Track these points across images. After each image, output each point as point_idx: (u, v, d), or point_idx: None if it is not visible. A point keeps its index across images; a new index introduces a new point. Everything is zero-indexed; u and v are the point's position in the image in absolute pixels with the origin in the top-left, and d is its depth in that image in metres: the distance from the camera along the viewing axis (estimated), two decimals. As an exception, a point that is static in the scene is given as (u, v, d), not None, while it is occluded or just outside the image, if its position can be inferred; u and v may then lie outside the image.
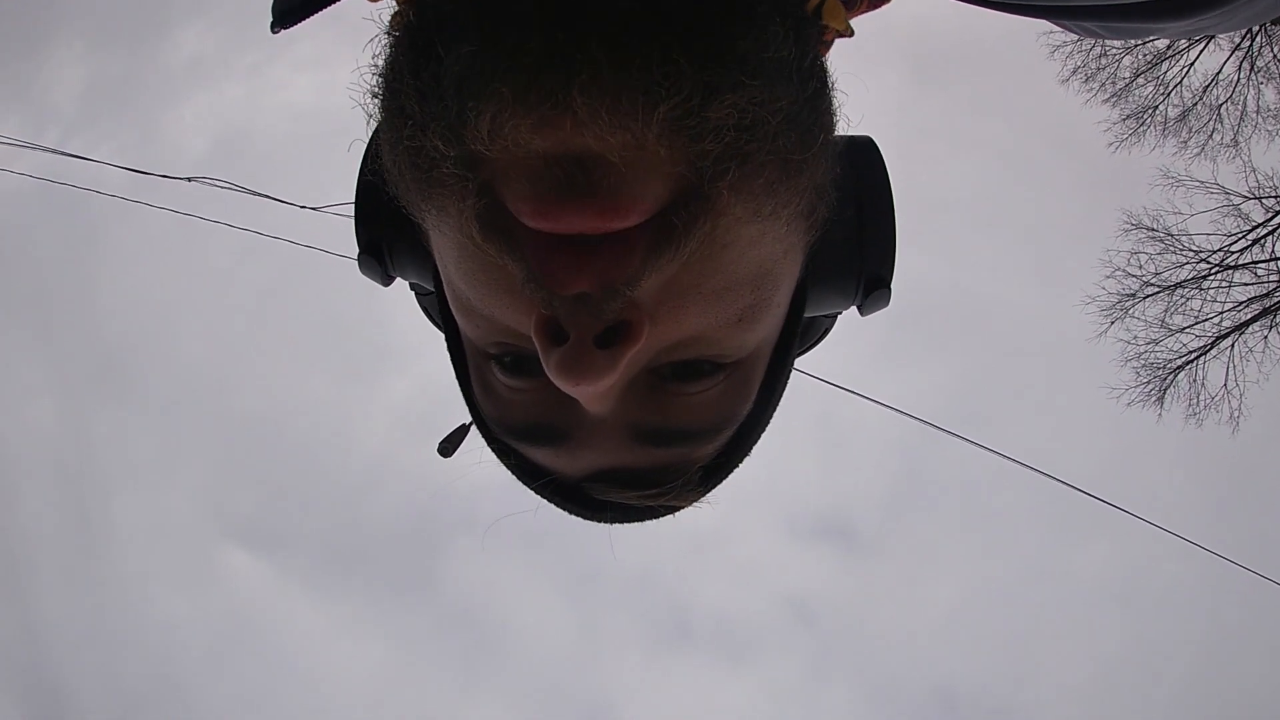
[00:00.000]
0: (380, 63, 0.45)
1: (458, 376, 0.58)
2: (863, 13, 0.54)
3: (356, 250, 0.61)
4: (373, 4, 0.50)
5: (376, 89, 0.45)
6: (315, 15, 0.54)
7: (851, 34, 0.52)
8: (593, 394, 0.44)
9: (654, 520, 0.57)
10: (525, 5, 0.37)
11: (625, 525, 0.57)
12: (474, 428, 0.59)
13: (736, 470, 0.57)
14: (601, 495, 0.53)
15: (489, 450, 0.57)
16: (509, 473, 0.56)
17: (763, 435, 0.57)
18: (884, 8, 0.56)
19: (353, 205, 0.60)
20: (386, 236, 0.58)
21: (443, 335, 0.59)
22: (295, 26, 0.54)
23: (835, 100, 0.48)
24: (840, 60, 0.52)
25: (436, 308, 0.59)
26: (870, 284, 0.60)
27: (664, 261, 0.41)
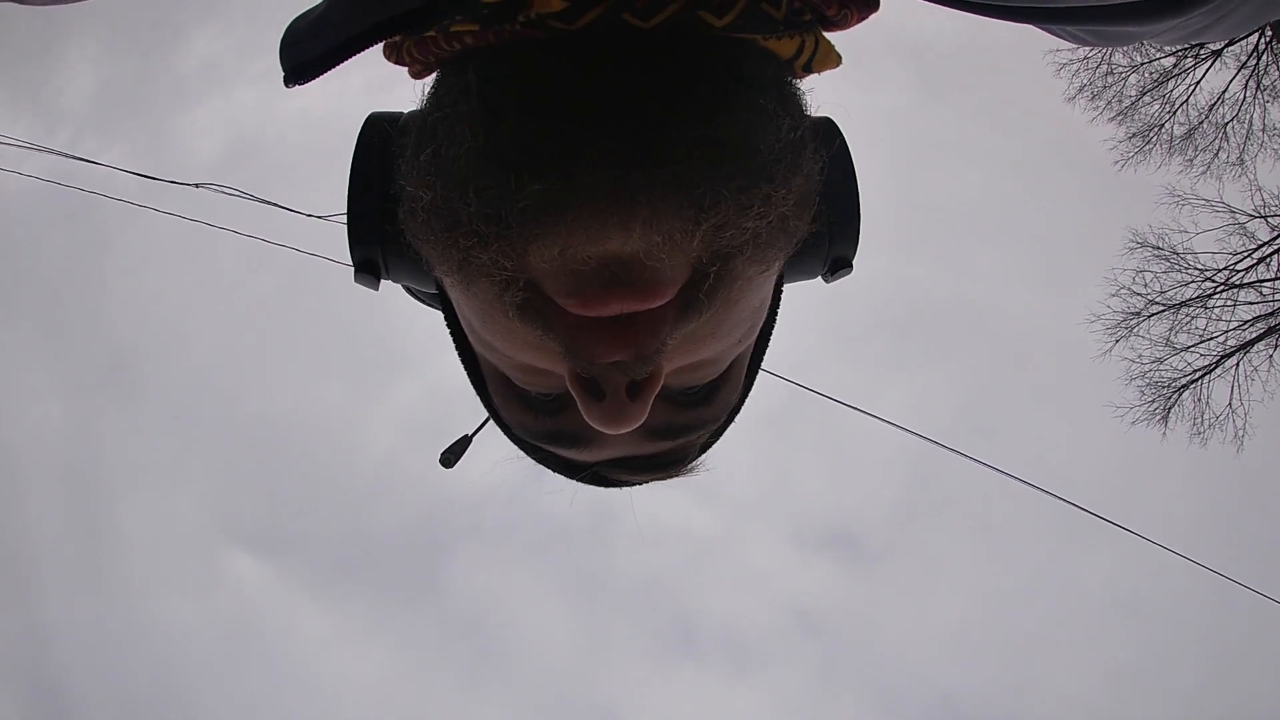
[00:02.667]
0: (431, 151, 0.47)
1: (470, 378, 0.63)
2: (853, 25, 0.57)
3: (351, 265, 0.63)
4: (399, 66, 0.54)
5: (426, 180, 0.47)
6: (331, 71, 0.54)
7: (840, 63, 0.57)
8: (627, 433, 0.52)
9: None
10: (596, 145, 0.42)
11: (636, 499, 0.67)
12: (479, 431, 0.65)
13: (724, 437, 0.66)
14: (617, 476, 0.63)
15: (509, 450, 0.65)
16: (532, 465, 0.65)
17: (744, 406, 0.65)
18: (872, 16, 0.57)
19: (345, 223, 0.61)
20: (381, 250, 0.60)
21: (450, 335, 0.62)
22: (310, 83, 0.55)
23: (813, 138, 0.52)
24: (849, 70, 0.56)
25: (432, 298, 0.64)
26: (836, 264, 0.63)
27: (689, 326, 0.47)
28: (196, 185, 4.64)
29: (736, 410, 0.64)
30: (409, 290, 0.69)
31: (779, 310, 0.63)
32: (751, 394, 0.66)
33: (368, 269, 0.61)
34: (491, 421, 0.65)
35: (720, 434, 0.66)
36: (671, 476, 0.64)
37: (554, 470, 0.64)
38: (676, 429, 0.58)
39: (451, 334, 0.62)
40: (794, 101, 0.51)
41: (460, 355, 0.63)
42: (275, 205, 4.45)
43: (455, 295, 0.54)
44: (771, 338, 0.64)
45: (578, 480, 0.64)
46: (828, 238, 0.62)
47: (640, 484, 0.65)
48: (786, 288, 0.65)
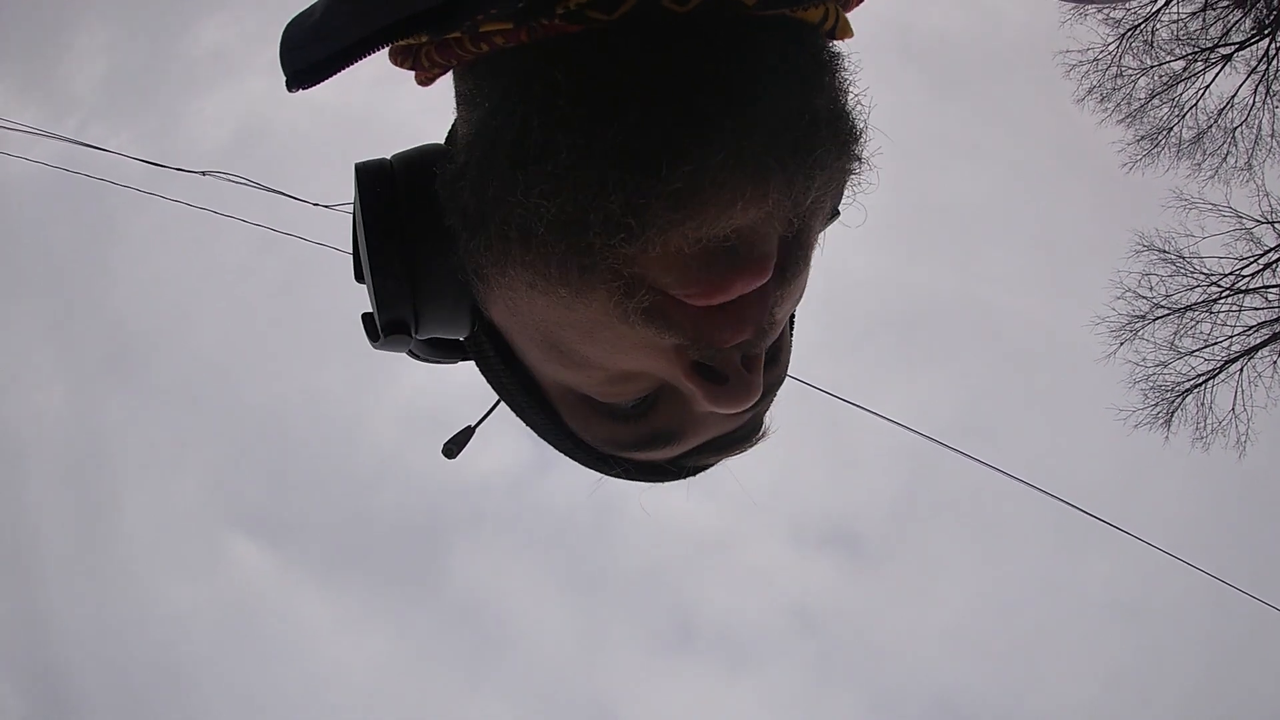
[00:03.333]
0: (506, 157, 0.46)
1: (532, 419, 0.61)
2: (858, 4, 0.57)
3: (373, 339, 0.60)
4: (406, 71, 0.53)
5: (522, 188, 0.44)
6: (336, 75, 0.50)
7: (852, 35, 0.57)
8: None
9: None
10: (719, 128, 0.42)
11: (661, 494, 0.66)
12: (482, 422, 0.67)
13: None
14: (700, 462, 0.62)
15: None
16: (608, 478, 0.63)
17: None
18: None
19: (365, 281, 0.58)
20: (414, 306, 0.56)
21: (488, 377, 0.60)
22: (313, 87, 0.50)
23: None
24: (859, 69, 0.57)
25: (448, 349, 0.62)
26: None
27: (787, 291, 0.49)
28: (203, 173, 4.63)
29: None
30: (413, 352, 0.63)
31: None
32: None
33: (398, 329, 0.57)
34: (547, 440, 0.62)
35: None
36: (751, 446, 0.64)
37: (643, 479, 0.63)
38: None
39: (492, 375, 0.60)
40: (844, 66, 0.51)
41: (507, 397, 0.60)
42: (282, 194, 4.45)
43: (538, 317, 0.50)
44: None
45: (669, 481, 0.63)
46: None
47: (706, 467, 0.64)
48: None
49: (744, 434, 0.62)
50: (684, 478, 0.64)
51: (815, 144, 0.45)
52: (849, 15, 0.56)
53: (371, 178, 0.55)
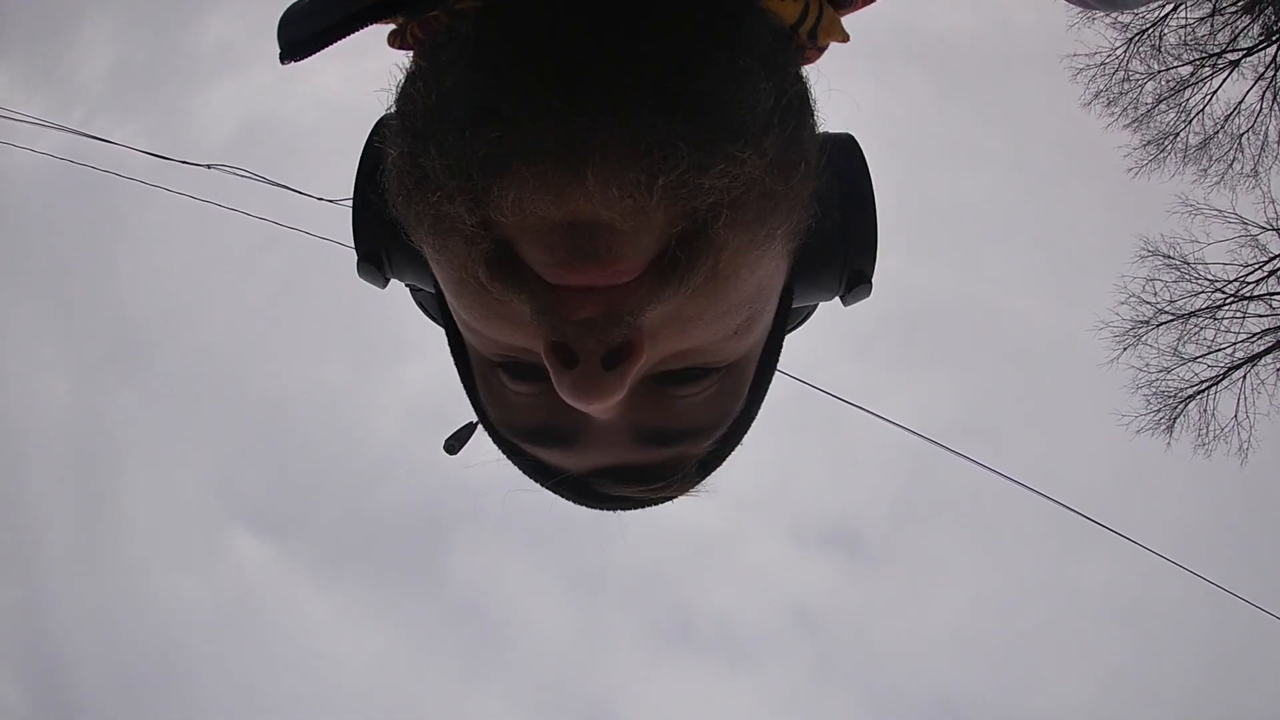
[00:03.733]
0: (400, 112, 0.49)
1: (462, 379, 0.61)
2: (860, 8, 0.56)
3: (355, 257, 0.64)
4: (392, 48, 0.54)
5: (396, 143, 0.48)
6: (327, 49, 0.54)
7: (848, 39, 0.55)
8: (600, 410, 0.48)
9: (655, 505, 0.61)
10: (547, 94, 0.41)
11: (632, 513, 0.62)
12: (480, 428, 0.62)
13: (729, 459, 0.61)
14: (607, 490, 0.57)
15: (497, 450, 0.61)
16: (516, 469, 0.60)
17: (752, 426, 0.61)
18: (878, 1, 0.57)
19: (350, 216, 0.62)
20: (384, 244, 0.61)
21: (443, 332, 0.61)
22: (304, 60, 0.54)
23: (814, 117, 0.52)
24: (864, 70, 0.55)
25: (434, 306, 0.63)
26: (853, 279, 0.61)
27: (668, 295, 0.45)
28: (208, 166, 4.63)
29: (743, 426, 0.60)
30: (418, 301, 0.68)
31: (786, 322, 0.60)
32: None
33: (371, 260, 0.61)
34: (466, 396, 0.62)
35: (724, 453, 0.60)
36: (665, 493, 0.59)
37: (533, 477, 0.59)
38: (671, 434, 0.55)
39: (447, 333, 0.60)
40: (783, 65, 0.49)
41: (455, 359, 0.61)
42: (286, 188, 4.45)
43: (437, 272, 0.52)
44: (780, 352, 0.60)
45: (551, 488, 0.59)
46: (843, 251, 0.60)
47: (624, 504, 0.60)
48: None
49: (655, 473, 0.56)
50: (604, 508, 0.60)
51: (658, 132, 0.41)
52: (859, 27, 0.55)
53: (379, 126, 0.59)
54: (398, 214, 0.49)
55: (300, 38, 0.53)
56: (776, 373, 0.61)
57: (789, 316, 0.60)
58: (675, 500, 0.60)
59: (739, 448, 0.61)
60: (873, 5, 0.57)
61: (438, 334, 0.64)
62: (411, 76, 0.49)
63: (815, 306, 0.68)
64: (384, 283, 0.64)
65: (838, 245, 0.60)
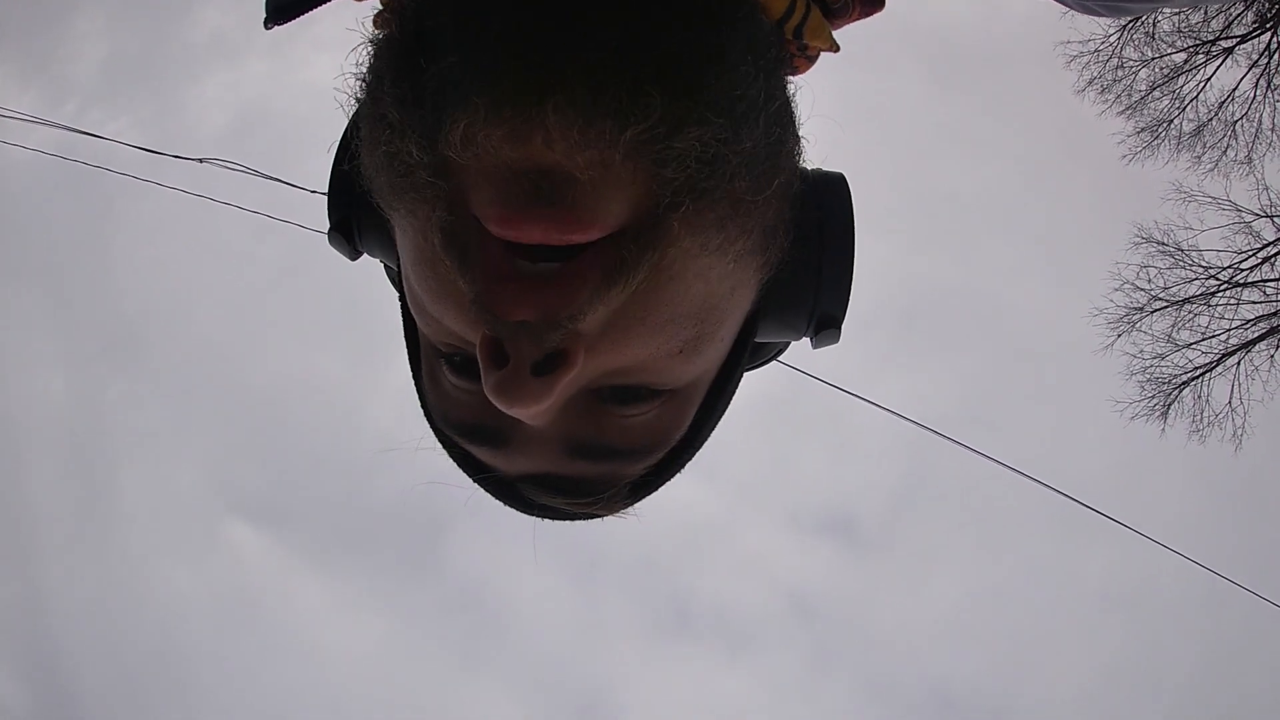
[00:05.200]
0: (363, 67, 0.47)
1: (410, 361, 0.59)
2: (853, 21, 0.56)
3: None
4: (358, 2, 0.52)
5: (359, 92, 0.47)
6: (310, 12, 0.54)
7: (837, 49, 0.54)
8: (526, 416, 0.46)
9: (582, 520, 0.59)
10: (508, 26, 0.40)
11: (566, 523, 0.60)
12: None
13: (665, 487, 0.59)
14: (534, 497, 0.56)
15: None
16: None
17: (695, 456, 0.59)
18: (875, 15, 0.56)
19: (328, 185, 0.61)
20: (357, 216, 0.59)
21: (401, 313, 0.59)
22: (289, 23, 0.54)
23: (799, 145, 0.50)
24: (860, 59, 0.54)
25: (398, 282, 0.61)
26: (822, 322, 0.59)
27: (612, 295, 0.42)
28: (201, 160, 4.62)
29: (683, 456, 0.58)
30: (391, 279, 0.66)
31: (743, 357, 0.57)
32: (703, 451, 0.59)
33: (341, 230, 0.60)
34: (411, 378, 0.61)
35: (660, 479, 0.58)
36: (591, 509, 0.57)
37: (463, 470, 0.58)
38: (604, 449, 0.52)
39: (402, 314, 0.59)
40: (768, 57, 0.47)
41: (406, 339, 0.60)
42: (278, 180, 4.44)
43: (399, 242, 0.50)
44: (734, 386, 0.58)
45: (479, 483, 0.57)
46: (815, 292, 0.57)
47: (551, 513, 0.58)
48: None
49: (582, 487, 0.54)
50: (530, 513, 0.58)
51: (634, 78, 0.39)
52: (838, 31, 0.54)
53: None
54: (366, 174, 0.48)
55: (284, 1, 0.53)
56: (776, 362, 0.61)
57: (748, 350, 0.57)
58: (601, 519, 0.59)
59: (677, 476, 0.59)
60: (870, 17, 0.56)
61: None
62: (385, 23, 0.48)
63: (784, 347, 0.66)
64: (354, 254, 0.63)
65: (809, 285, 0.57)
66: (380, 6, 0.51)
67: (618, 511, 0.58)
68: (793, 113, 0.50)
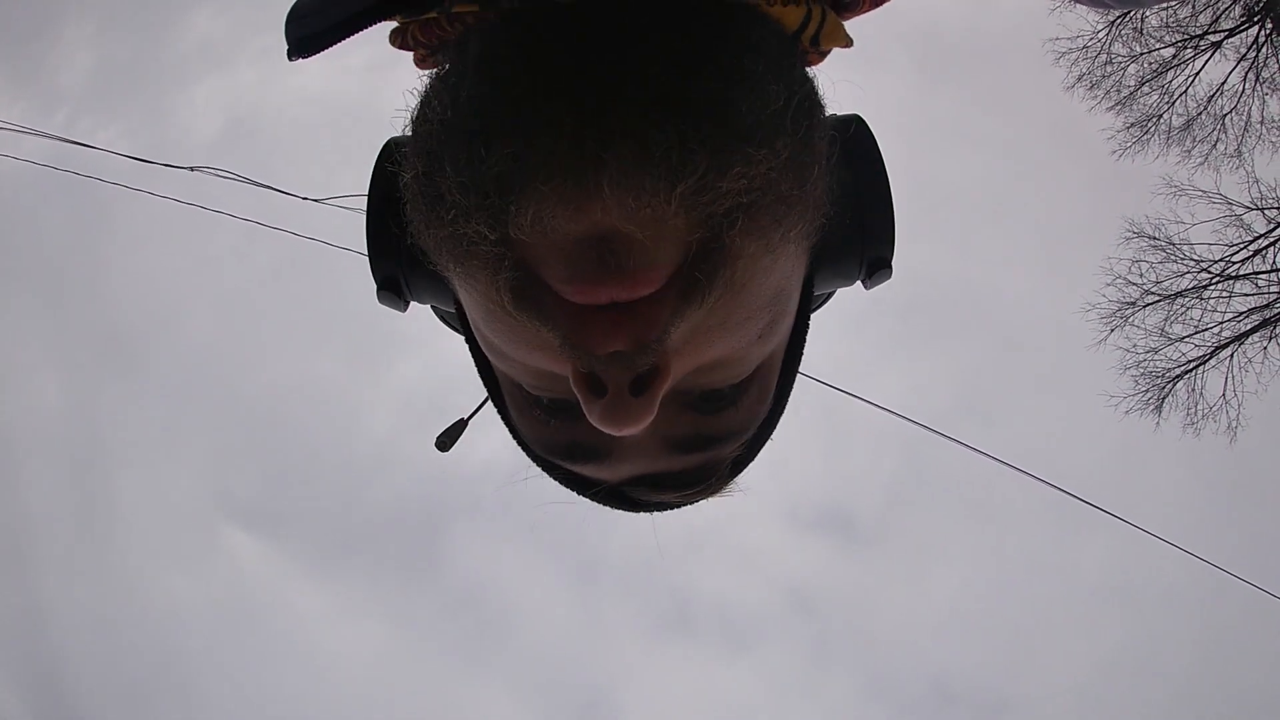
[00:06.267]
0: (411, 129, 0.49)
1: (491, 396, 0.61)
2: (864, 12, 0.57)
3: (375, 286, 0.63)
4: (398, 50, 0.54)
5: (411, 163, 0.48)
6: (333, 47, 0.54)
7: (851, 44, 0.56)
8: (634, 435, 0.48)
9: (691, 506, 0.62)
10: (557, 107, 0.42)
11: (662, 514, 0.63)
12: (476, 414, 0.63)
13: (759, 456, 0.62)
14: (645, 497, 0.59)
15: (529, 461, 0.61)
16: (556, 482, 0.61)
17: (779, 423, 0.62)
18: (886, 5, 0.57)
19: (365, 235, 0.62)
20: (401, 269, 0.60)
21: (452, 335, 0.62)
22: (313, 57, 0.55)
23: (824, 116, 0.52)
24: (851, 54, 0.55)
25: (457, 321, 0.62)
26: (873, 265, 0.61)
27: (690, 313, 0.45)
28: (191, 169, 4.62)
29: (772, 424, 0.61)
30: (439, 315, 0.68)
31: (810, 316, 0.59)
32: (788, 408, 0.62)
33: (390, 287, 0.61)
34: (495, 412, 0.63)
35: (754, 452, 0.62)
36: (700, 496, 0.60)
37: (572, 489, 0.60)
38: (701, 440, 0.55)
39: (472, 353, 0.60)
40: (789, 69, 0.49)
41: (482, 376, 0.61)
42: (270, 188, 4.43)
43: (463, 298, 0.52)
44: (805, 345, 0.60)
45: (591, 498, 0.60)
46: (861, 238, 0.59)
47: (665, 506, 0.61)
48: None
49: (689, 479, 0.58)
50: (643, 511, 0.61)
51: (672, 139, 0.41)
52: (850, 22, 0.55)
53: (387, 149, 0.59)
54: (417, 237, 0.49)
55: (311, 33, 0.53)
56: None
57: (810, 314, 0.60)
58: (712, 500, 0.62)
59: (769, 443, 0.62)
60: (878, 9, 0.57)
61: (429, 331, 0.64)
62: (426, 98, 0.49)
63: (835, 290, 0.68)
64: (404, 307, 0.64)
65: (855, 233, 0.59)
66: (418, 44, 0.53)
67: (723, 491, 0.61)
68: (816, 96, 0.51)
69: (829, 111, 0.54)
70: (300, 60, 0.55)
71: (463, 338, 0.61)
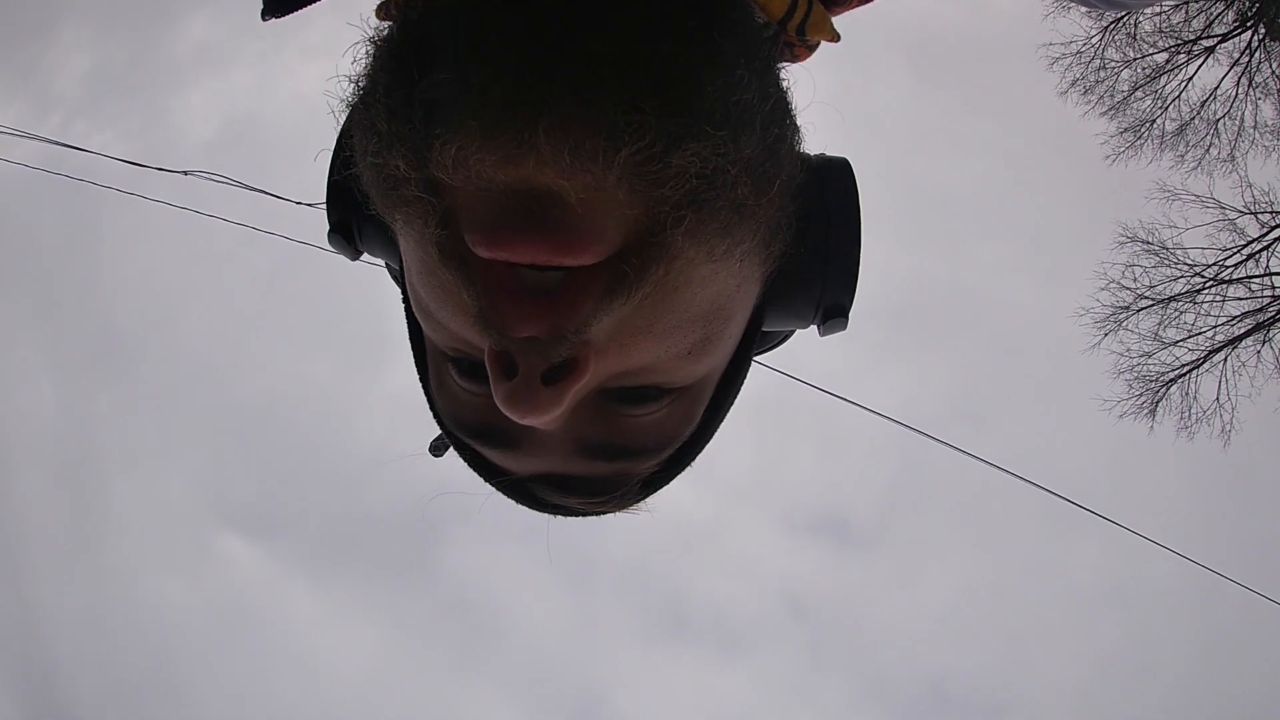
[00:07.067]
0: (361, 66, 0.46)
1: (416, 364, 0.59)
2: (853, 8, 0.55)
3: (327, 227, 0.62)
4: None
5: (355, 94, 0.46)
6: (311, 6, 0.52)
7: (838, 39, 0.54)
8: (538, 424, 0.46)
9: (595, 517, 0.60)
10: (502, 42, 0.38)
11: (576, 520, 0.60)
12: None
13: (674, 481, 0.59)
14: (548, 497, 0.56)
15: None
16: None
17: (704, 450, 0.59)
18: (874, 3, 0.55)
19: (325, 185, 0.60)
20: (356, 217, 0.58)
21: (400, 301, 0.59)
22: (286, 16, 0.53)
23: (798, 136, 0.50)
24: (846, 59, 0.54)
25: (400, 283, 0.60)
26: (829, 311, 0.58)
27: (615, 307, 0.42)
28: (185, 173, 4.61)
29: (694, 450, 0.57)
30: (391, 274, 0.65)
31: (750, 349, 0.57)
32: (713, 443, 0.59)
33: (341, 230, 0.60)
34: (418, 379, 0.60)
35: (671, 474, 0.58)
36: (606, 508, 0.57)
37: (477, 473, 0.57)
38: (615, 449, 0.52)
39: (406, 315, 0.58)
40: (766, 60, 0.46)
41: (411, 340, 0.59)
42: (264, 193, 4.43)
43: (403, 251, 0.50)
44: (743, 379, 0.58)
45: (495, 485, 0.57)
46: (821, 280, 0.56)
47: (564, 511, 0.58)
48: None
49: (595, 487, 0.55)
50: (546, 511, 0.58)
51: (626, 98, 0.38)
52: (844, 20, 0.54)
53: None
54: (361, 178, 0.47)
55: None
56: (762, 367, 0.60)
57: (754, 344, 0.57)
58: (614, 515, 0.59)
59: (688, 470, 0.59)
60: (867, 5, 0.56)
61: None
62: (389, 15, 0.47)
63: (790, 333, 0.66)
64: (355, 254, 0.62)
65: (816, 274, 0.56)
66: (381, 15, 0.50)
67: (630, 508, 0.59)
68: (789, 106, 0.49)
69: (823, 151, 0.52)
70: (273, 20, 0.53)
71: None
